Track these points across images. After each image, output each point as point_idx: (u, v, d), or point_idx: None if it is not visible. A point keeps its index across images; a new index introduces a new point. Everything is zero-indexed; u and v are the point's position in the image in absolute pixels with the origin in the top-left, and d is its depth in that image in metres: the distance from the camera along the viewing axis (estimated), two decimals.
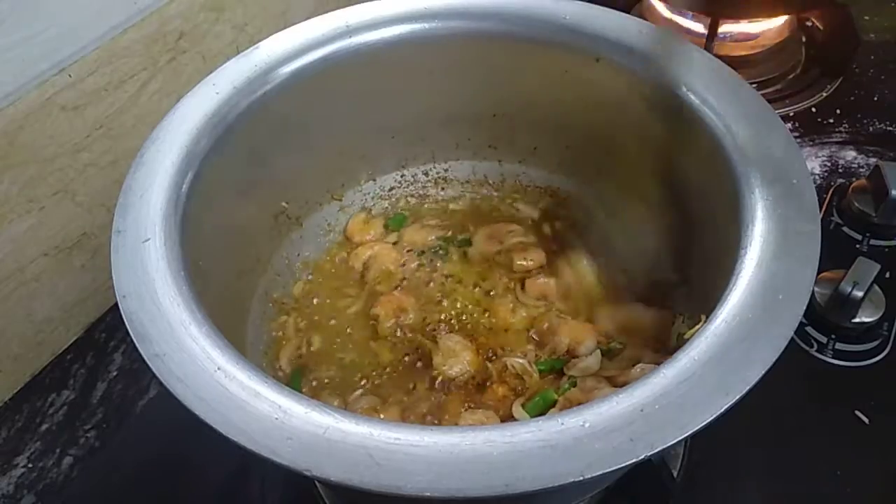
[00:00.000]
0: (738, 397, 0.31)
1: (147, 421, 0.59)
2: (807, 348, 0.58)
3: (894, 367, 0.57)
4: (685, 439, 0.31)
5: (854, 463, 0.52)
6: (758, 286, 0.35)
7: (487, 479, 0.29)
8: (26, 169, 0.56)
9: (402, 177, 0.62)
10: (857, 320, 0.58)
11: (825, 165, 0.73)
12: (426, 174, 0.63)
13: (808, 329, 0.59)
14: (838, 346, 0.58)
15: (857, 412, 0.55)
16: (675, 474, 0.51)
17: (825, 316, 0.58)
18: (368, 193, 0.62)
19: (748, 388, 0.31)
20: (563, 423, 0.30)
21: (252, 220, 0.54)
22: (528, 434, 0.30)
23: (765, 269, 0.36)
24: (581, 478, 0.29)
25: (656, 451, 0.30)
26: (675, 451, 0.53)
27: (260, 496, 0.54)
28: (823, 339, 0.59)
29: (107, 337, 0.65)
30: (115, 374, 0.63)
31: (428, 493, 0.29)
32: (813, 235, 0.37)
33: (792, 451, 0.54)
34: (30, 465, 0.57)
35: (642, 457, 0.29)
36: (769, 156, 0.41)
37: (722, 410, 0.31)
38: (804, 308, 0.34)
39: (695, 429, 0.30)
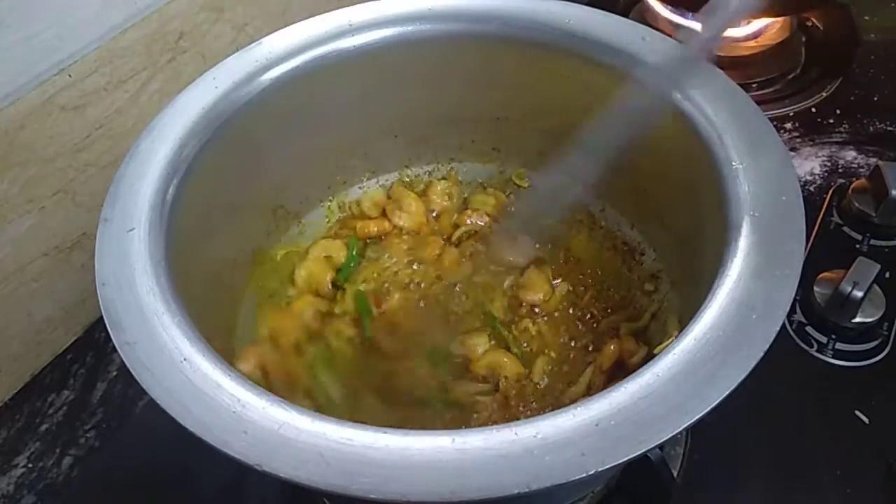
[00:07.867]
0: (697, 417, 0.30)
1: (147, 421, 0.59)
2: (807, 348, 0.58)
3: (894, 367, 0.57)
4: (654, 449, 0.30)
5: (854, 463, 0.53)
6: (733, 304, 0.34)
7: (434, 484, 0.29)
8: (26, 169, 0.56)
9: (405, 176, 0.62)
10: (857, 320, 0.58)
11: (825, 165, 0.73)
12: (429, 174, 0.62)
13: (808, 329, 0.59)
14: (838, 346, 0.58)
15: (857, 412, 0.55)
16: (675, 474, 0.51)
17: (825, 316, 0.58)
18: (370, 191, 0.61)
19: (709, 408, 0.31)
20: (516, 434, 0.30)
21: (248, 213, 0.53)
22: (480, 442, 0.30)
23: (742, 286, 0.35)
24: (527, 489, 0.29)
25: (607, 467, 0.29)
26: (675, 451, 0.53)
27: (262, 495, 0.54)
28: (823, 339, 0.59)
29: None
30: (115, 374, 0.63)
31: (373, 496, 0.29)
32: (795, 256, 0.36)
33: (792, 452, 0.54)
34: (30, 465, 0.57)
35: (592, 472, 0.29)
36: (762, 171, 0.40)
37: (680, 429, 0.30)
38: (777, 329, 0.33)
39: (650, 446, 0.30)
